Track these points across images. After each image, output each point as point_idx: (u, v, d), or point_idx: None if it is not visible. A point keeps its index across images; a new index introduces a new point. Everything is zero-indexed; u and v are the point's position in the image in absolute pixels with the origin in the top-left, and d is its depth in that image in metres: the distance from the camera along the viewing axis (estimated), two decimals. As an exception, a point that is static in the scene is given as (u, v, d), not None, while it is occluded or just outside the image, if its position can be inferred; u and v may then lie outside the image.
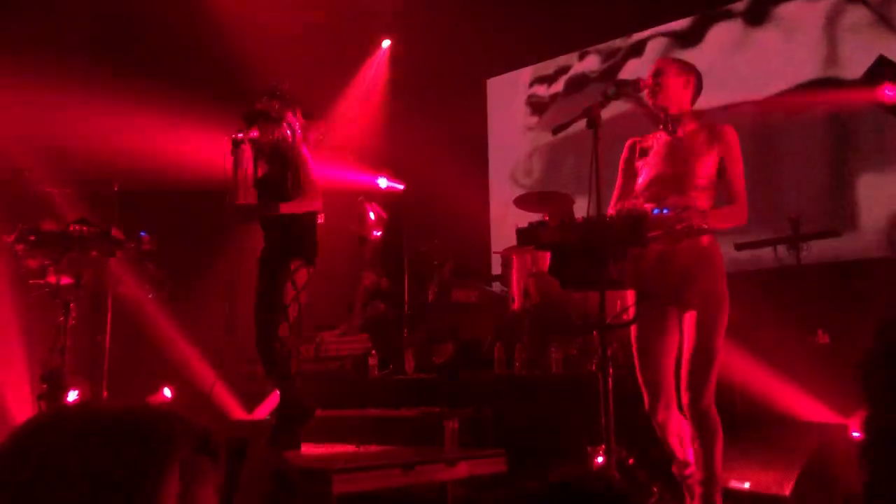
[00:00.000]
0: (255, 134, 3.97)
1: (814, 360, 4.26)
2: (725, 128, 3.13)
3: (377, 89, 8.15)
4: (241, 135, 3.94)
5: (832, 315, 4.68)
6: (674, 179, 3.09)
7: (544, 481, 0.95)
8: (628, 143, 3.32)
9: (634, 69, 6.83)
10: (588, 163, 2.96)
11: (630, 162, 3.28)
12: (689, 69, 3.22)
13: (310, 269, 3.95)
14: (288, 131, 4.00)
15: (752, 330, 4.08)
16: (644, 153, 3.23)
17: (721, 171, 3.09)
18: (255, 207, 4.00)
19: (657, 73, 3.17)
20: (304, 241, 3.98)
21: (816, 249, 5.00)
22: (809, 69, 5.97)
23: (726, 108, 5.82)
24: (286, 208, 3.90)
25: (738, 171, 3.07)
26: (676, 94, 3.16)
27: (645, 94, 3.18)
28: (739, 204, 3.05)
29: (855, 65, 5.40)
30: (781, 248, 5.09)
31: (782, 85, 6.06)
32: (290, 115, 4.03)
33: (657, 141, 3.22)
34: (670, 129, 3.18)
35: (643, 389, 3.13)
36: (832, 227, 5.19)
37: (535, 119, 7.78)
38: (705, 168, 3.08)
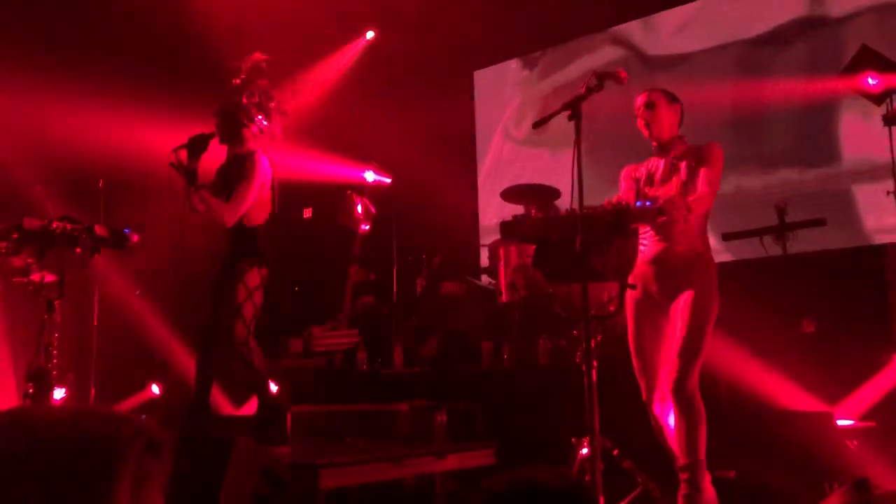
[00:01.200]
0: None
1: (799, 349, 4.29)
2: (711, 145, 3.29)
3: (359, 80, 8.12)
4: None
5: (818, 304, 4.70)
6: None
7: (510, 480, 0.95)
8: (624, 171, 3.49)
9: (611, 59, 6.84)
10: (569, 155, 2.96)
11: (626, 185, 3.43)
12: (676, 99, 3.40)
13: (262, 270, 3.96)
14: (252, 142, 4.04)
15: (738, 319, 4.10)
16: (640, 180, 3.39)
17: (699, 175, 3.22)
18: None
19: (649, 105, 3.33)
20: (254, 243, 3.99)
21: (802, 238, 5.01)
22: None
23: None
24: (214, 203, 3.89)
25: (712, 170, 3.21)
26: (669, 123, 3.35)
27: (639, 124, 3.35)
28: (705, 190, 3.16)
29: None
30: (768, 238, 5.10)
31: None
32: (255, 125, 4.04)
33: (652, 166, 3.39)
34: (664, 154, 3.35)
35: (640, 381, 3.28)
36: (818, 217, 5.21)
37: (521, 109, 7.77)
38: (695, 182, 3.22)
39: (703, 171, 3.20)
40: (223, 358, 4.02)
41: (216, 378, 4.13)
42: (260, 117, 4.08)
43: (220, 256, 4.07)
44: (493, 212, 7.39)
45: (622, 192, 3.43)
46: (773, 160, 6.06)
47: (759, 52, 6.20)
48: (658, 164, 3.36)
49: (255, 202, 3.98)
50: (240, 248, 3.98)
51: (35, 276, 4.13)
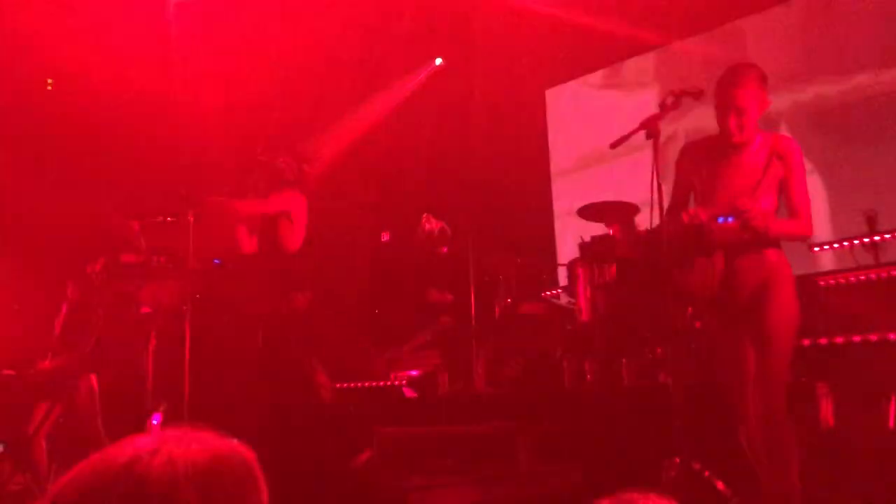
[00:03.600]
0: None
1: None
2: (788, 141, 3.08)
3: (431, 104, 8.22)
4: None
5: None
6: (738, 190, 3.01)
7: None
8: (684, 147, 3.26)
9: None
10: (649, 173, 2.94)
11: (687, 167, 3.21)
12: (765, 78, 3.08)
13: (309, 297, 4.34)
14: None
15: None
16: (703, 160, 3.17)
17: (783, 185, 3.02)
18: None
19: (745, 84, 3.01)
20: (297, 272, 4.41)
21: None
22: None
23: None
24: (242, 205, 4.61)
25: (801, 184, 3.00)
26: (759, 102, 3.04)
27: (729, 99, 2.99)
28: (803, 216, 2.98)
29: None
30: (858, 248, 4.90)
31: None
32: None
33: (717, 149, 3.13)
34: (737, 141, 3.05)
35: (728, 400, 3.12)
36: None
37: (595, 128, 7.72)
38: (769, 179, 3.02)
39: (793, 188, 2.97)
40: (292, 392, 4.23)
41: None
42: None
43: (267, 287, 4.41)
44: (569, 230, 7.35)
45: (681, 185, 3.21)
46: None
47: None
48: (731, 158, 3.07)
49: (292, 234, 4.59)
50: (286, 276, 4.34)
51: (133, 309, 4.34)
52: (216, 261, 4.60)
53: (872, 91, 5.86)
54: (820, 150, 5.94)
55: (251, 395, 4.54)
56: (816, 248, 5.20)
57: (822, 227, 5.34)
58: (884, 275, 4.58)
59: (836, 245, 5.06)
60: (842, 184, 5.87)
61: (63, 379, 4.37)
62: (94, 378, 4.49)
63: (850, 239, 4.93)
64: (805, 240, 3.02)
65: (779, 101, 5.61)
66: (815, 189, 5.53)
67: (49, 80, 6.79)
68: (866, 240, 4.81)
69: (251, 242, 4.69)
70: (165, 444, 0.89)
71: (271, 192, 4.66)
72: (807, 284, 4.77)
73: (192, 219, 4.29)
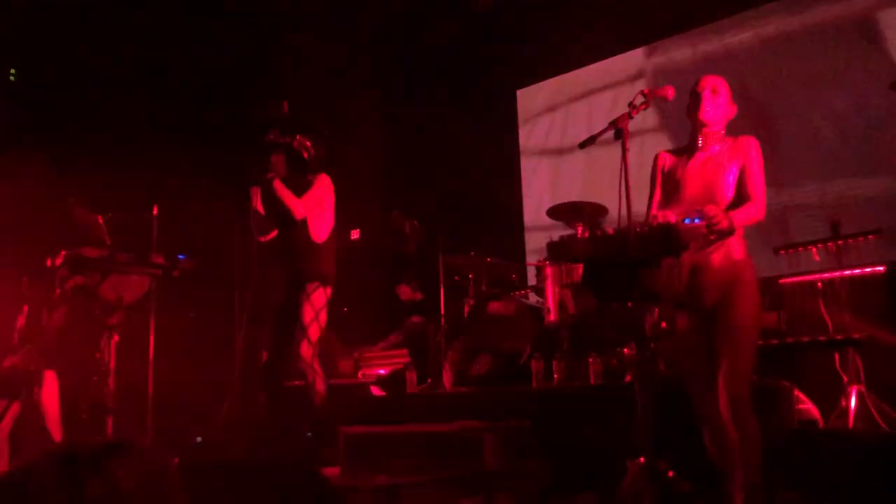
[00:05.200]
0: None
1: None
2: (747, 138, 3.18)
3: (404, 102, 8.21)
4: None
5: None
6: (705, 195, 3.12)
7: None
8: (657, 156, 3.37)
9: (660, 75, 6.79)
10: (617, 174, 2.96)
11: (657, 174, 3.33)
12: (729, 89, 3.26)
13: (327, 290, 4.09)
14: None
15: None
16: (671, 166, 3.28)
17: (741, 179, 3.12)
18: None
19: (714, 90, 3.20)
20: (320, 263, 4.13)
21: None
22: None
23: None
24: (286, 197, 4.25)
25: (756, 175, 3.11)
26: (726, 110, 3.23)
27: (699, 105, 3.18)
28: (756, 200, 3.08)
29: None
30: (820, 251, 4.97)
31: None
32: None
33: (684, 154, 3.27)
34: (702, 144, 3.21)
35: (692, 399, 3.18)
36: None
37: (564, 129, 7.75)
38: (731, 179, 3.13)
39: (749, 177, 3.10)
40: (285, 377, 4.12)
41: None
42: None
43: (286, 274, 4.21)
44: (538, 230, 7.38)
45: (656, 189, 3.32)
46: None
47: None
48: (696, 163, 3.21)
49: (321, 219, 4.28)
50: (307, 265, 4.11)
51: (93, 301, 4.26)
52: (181, 256, 4.53)
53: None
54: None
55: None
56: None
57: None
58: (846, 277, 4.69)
59: (800, 248, 5.13)
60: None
61: (22, 376, 4.28)
62: (53, 375, 4.39)
63: (812, 243, 5.01)
64: (757, 222, 3.10)
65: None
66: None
67: (12, 70, 6.65)
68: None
69: (269, 230, 4.41)
70: (101, 456, 0.88)
71: (305, 179, 4.35)
72: (772, 286, 4.86)
73: (155, 212, 4.21)
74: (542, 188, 7.81)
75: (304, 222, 4.29)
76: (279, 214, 4.30)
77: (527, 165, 8.04)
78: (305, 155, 4.36)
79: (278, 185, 4.17)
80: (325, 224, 4.39)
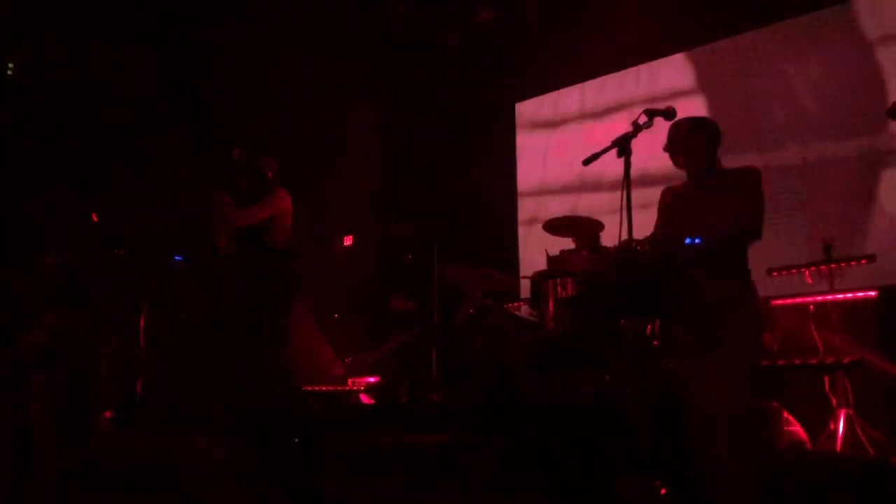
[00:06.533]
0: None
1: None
2: (748, 170, 3.18)
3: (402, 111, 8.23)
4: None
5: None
6: (702, 224, 3.10)
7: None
8: (663, 191, 3.40)
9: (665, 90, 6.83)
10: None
11: (662, 207, 3.36)
12: (701, 125, 3.25)
13: (289, 296, 4.53)
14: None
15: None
16: (675, 197, 3.31)
17: (738, 206, 3.09)
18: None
19: (674, 140, 3.21)
20: (280, 263, 4.69)
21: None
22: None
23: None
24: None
25: (753, 202, 3.09)
26: (698, 154, 3.20)
27: (676, 159, 3.22)
28: (753, 225, 3.06)
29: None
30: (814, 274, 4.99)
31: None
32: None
33: (686, 187, 3.30)
34: (699, 182, 3.23)
35: (687, 419, 3.14)
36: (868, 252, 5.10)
37: (564, 143, 7.77)
38: (729, 207, 3.09)
39: (744, 202, 3.09)
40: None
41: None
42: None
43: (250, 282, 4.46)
44: (534, 243, 7.38)
45: (659, 219, 3.35)
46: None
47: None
48: (697, 195, 3.25)
49: (278, 228, 4.80)
50: (267, 266, 4.64)
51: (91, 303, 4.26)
52: (177, 257, 4.52)
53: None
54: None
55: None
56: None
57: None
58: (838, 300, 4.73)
59: (793, 270, 5.16)
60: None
61: (12, 376, 4.25)
62: (43, 375, 4.35)
63: (805, 266, 5.04)
64: (754, 235, 3.08)
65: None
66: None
67: (10, 65, 6.63)
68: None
69: (229, 242, 4.75)
70: None
71: (262, 195, 4.86)
72: (764, 307, 4.88)
73: (154, 216, 4.23)
74: (539, 201, 7.83)
75: (265, 230, 4.80)
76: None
77: (524, 178, 8.04)
78: (269, 174, 4.93)
79: (239, 213, 4.76)
80: (283, 232, 4.90)
